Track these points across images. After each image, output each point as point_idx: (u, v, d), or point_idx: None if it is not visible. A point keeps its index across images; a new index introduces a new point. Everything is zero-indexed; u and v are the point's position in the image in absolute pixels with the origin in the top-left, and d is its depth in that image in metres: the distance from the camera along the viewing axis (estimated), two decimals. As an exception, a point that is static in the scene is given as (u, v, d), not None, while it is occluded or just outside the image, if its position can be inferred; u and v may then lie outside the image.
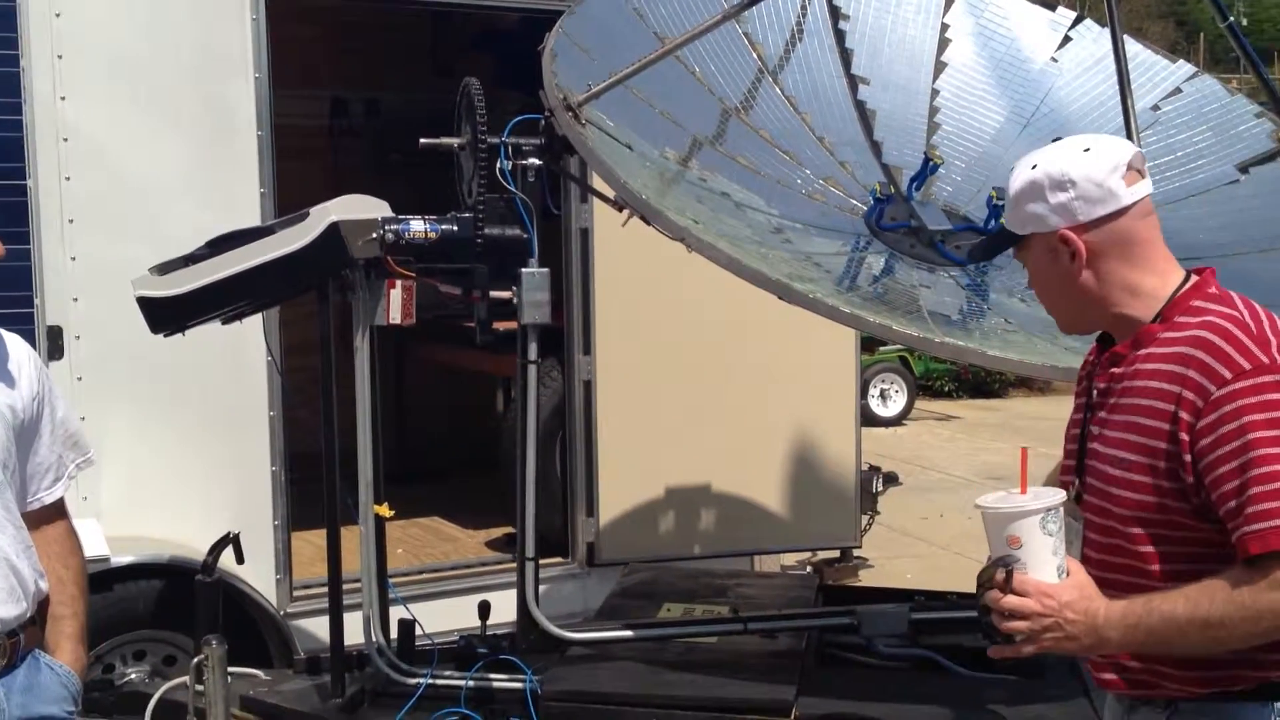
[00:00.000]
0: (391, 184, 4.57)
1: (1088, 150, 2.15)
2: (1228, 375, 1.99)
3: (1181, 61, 4.33)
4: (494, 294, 3.47)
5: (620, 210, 3.20)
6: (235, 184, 4.66)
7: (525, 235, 3.48)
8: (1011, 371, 4.15)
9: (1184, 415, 2.01)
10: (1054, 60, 4.35)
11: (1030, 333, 3.55)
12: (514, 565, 5.39)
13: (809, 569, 6.99)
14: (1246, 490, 1.95)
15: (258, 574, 4.61)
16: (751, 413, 5.71)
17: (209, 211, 4.52)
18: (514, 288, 3.47)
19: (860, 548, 6.48)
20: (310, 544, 5.19)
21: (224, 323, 3.95)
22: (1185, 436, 2.01)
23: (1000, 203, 3.82)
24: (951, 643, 3.86)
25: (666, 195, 3.40)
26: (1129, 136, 3.17)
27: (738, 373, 5.69)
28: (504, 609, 4.20)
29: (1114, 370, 2.18)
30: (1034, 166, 2.17)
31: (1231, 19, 3.90)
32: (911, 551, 8.34)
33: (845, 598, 4.39)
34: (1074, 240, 2.14)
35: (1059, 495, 2.03)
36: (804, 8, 4.28)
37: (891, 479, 7.53)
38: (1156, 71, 4.24)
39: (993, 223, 3.85)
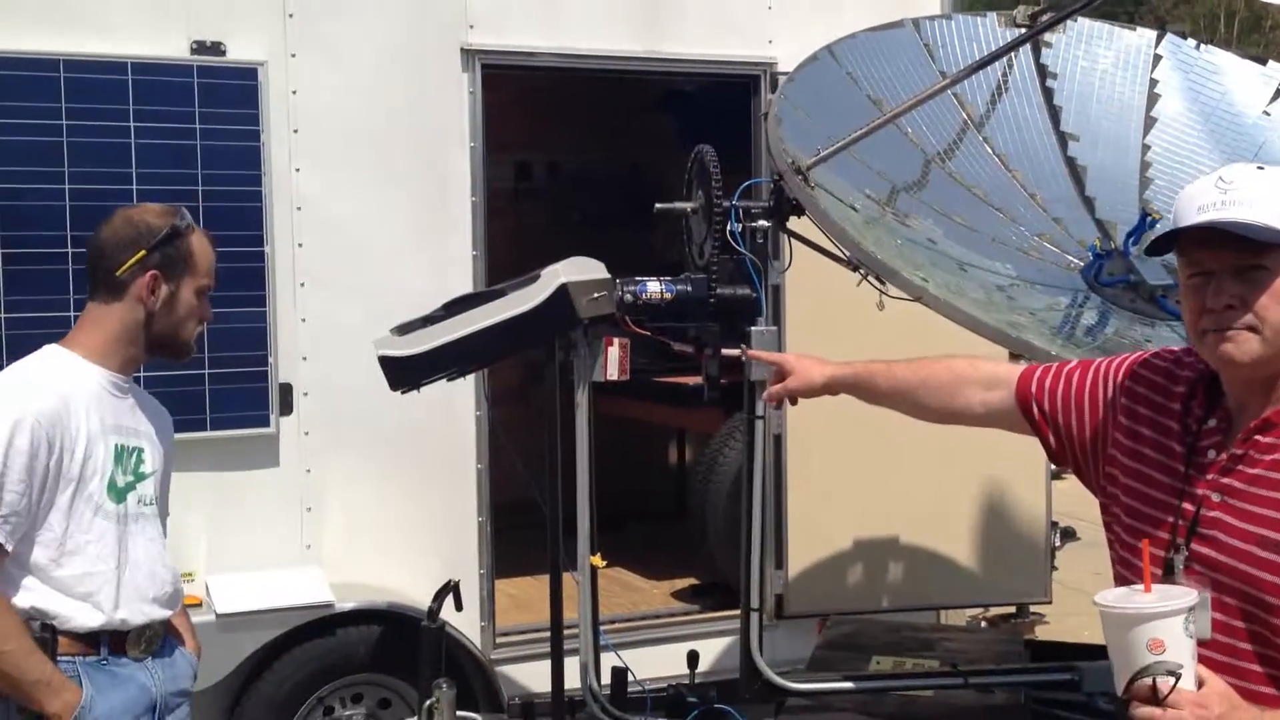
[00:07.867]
0: (569, 241, 4.72)
1: None
2: None
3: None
4: (725, 351, 3.57)
5: (855, 270, 3.29)
6: (451, 246, 4.86)
7: (754, 294, 3.58)
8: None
9: None
10: (1266, 114, 4.33)
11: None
12: (718, 615, 5.53)
13: (982, 624, 6.90)
14: None
15: (465, 621, 4.73)
16: (940, 466, 5.70)
17: (427, 272, 4.76)
18: (742, 345, 3.57)
19: (1051, 603, 6.39)
20: (503, 593, 5.33)
21: (449, 379, 4.11)
22: None
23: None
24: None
25: (896, 252, 3.45)
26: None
27: (926, 427, 5.67)
28: (706, 658, 4.28)
29: (1259, 438, 1.99)
30: None
31: None
32: (1085, 609, 8.15)
33: (1056, 653, 4.36)
34: None
35: (1192, 594, 1.83)
36: (1010, 65, 4.33)
37: (1069, 534, 7.40)
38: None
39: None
